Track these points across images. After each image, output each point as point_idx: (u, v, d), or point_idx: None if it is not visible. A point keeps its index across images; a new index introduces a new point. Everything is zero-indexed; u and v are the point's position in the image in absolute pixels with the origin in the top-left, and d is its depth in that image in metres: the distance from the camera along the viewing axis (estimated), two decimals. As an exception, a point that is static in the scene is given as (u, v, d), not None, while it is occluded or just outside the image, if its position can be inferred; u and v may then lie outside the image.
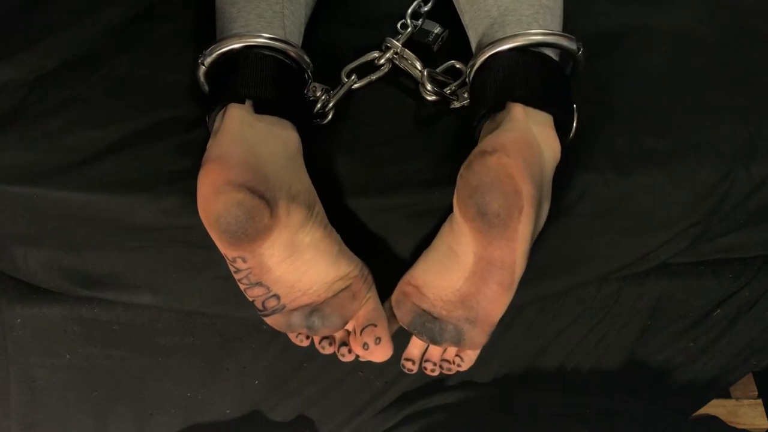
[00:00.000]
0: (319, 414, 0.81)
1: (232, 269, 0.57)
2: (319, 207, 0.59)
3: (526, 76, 0.58)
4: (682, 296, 0.75)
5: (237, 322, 0.71)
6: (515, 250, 0.55)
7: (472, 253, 0.56)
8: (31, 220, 0.62)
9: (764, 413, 0.99)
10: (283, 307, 0.59)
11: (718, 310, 0.77)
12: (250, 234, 0.54)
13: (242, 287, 0.58)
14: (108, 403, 0.78)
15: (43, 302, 0.70)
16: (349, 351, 0.62)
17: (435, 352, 0.65)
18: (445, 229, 0.59)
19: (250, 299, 0.59)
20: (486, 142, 0.54)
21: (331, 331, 0.60)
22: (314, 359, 0.75)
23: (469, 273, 0.57)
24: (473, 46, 0.64)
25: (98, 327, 0.71)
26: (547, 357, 0.79)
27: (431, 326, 0.60)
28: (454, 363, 0.64)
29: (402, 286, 0.61)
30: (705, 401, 0.92)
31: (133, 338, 0.72)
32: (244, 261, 0.56)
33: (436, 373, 0.65)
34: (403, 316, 0.61)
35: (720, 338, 0.80)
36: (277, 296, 0.58)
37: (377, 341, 0.60)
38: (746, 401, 0.99)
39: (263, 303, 0.59)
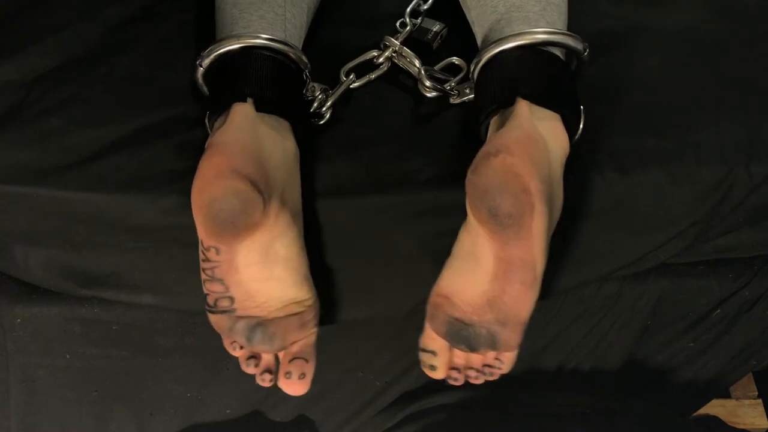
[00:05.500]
0: (319, 414, 0.81)
1: (202, 256, 0.56)
2: (300, 222, 0.59)
3: (533, 74, 0.58)
4: (682, 296, 0.75)
5: (237, 322, 0.71)
6: (532, 247, 0.54)
7: (492, 254, 0.55)
8: (31, 219, 0.62)
9: (764, 413, 0.99)
10: (234, 311, 0.58)
11: (718, 310, 0.77)
12: (238, 227, 0.53)
13: (203, 278, 0.57)
14: (108, 403, 0.78)
15: (43, 302, 0.70)
16: (271, 380, 0.61)
17: (476, 359, 0.63)
18: (463, 233, 0.59)
19: (205, 292, 0.58)
20: (489, 144, 0.54)
21: (268, 350, 0.59)
22: (314, 359, 0.75)
23: (491, 275, 0.56)
24: (479, 41, 0.64)
25: (98, 327, 0.71)
26: (547, 357, 0.79)
27: (466, 334, 0.59)
28: (494, 366, 0.62)
29: (432, 298, 0.60)
30: (705, 401, 0.92)
31: (133, 338, 0.72)
32: (218, 253, 0.55)
33: (480, 381, 0.63)
34: (439, 328, 0.60)
35: (720, 338, 0.80)
36: (231, 299, 0.57)
37: (301, 377, 0.59)
38: (746, 401, 0.99)
39: (216, 300, 0.58)
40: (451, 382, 0.63)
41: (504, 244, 0.54)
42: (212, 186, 0.52)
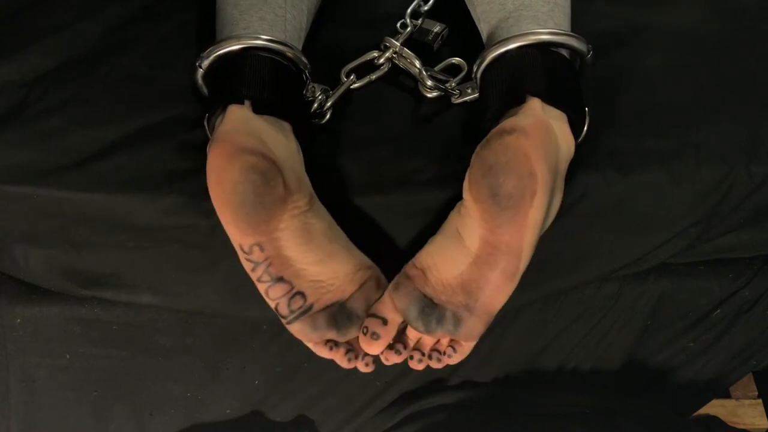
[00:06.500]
0: (319, 414, 0.81)
1: (250, 266, 0.55)
2: (318, 201, 0.58)
3: (543, 73, 0.58)
4: (682, 296, 0.75)
5: (237, 322, 0.71)
6: (523, 236, 0.53)
7: (478, 237, 0.55)
8: (31, 219, 0.62)
9: (764, 413, 0.99)
10: (311, 306, 0.56)
11: (718, 310, 0.77)
12: (267, 204, 0.52)
13: (263, 288, 0.56)
14: (108, 403, 0.78)
15: (43, 302, 0.70)
16: (374, 361, 0.59)
17: (427, 342, 0.61)
18: (453, 214, 0.58)
19: (273, 303, 0.56)
20: (505, 123, 0.54)
21: (360, 325, 0.58)
22: (314, 359, 0.74)
23: (473, 258, 0.55)
24: (484, 38, 0.64)
25: (98, 327, 0.71)
26: (547, 357, 0.79)
27: (429, 311, 0.57)
28: (445, 354, 0.60)
29: (406, 269, 0.59)
30: (705, 401, 0.92)
31: (133, 338, 0.72)
32: (262, 249, 0.54)
33: (421, 366, 0.61)
34: (402, 300, 0.58)
35: (720, 338, 0.80)
36: (302, 294, 0.56)
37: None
38: (746, 401, 0.99)
39: (289, 303, 0.56)
40: (387, 356, 0.60)
41: (496, 227, 0.53)
42: (228, 170, 0.52)
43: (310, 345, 0.60)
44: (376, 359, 0.60)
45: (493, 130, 0.54)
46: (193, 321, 0.71)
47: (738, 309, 0.77)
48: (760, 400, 0.99)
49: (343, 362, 0.60)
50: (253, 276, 0.56)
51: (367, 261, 0.59)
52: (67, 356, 0.73)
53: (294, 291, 0.56)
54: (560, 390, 0.82)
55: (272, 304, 0.57)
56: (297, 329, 0.58)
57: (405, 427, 0.78)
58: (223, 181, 0.52)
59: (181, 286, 0.66)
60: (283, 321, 0.58)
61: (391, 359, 0.60)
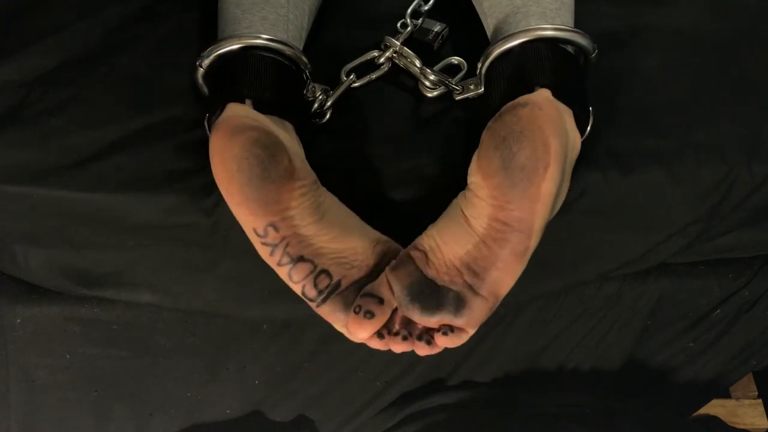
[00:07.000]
0: (319, 414, 0.81)
1: (267, 251, 0.54)
2: (322, 186, 0.58)
3: (551, 67, 0.57)
4: (682, 296, 0.75)
5: (237, 322, 0.71)
6: (536, 211, 0.52)
7: (487, 217, 0.53)
8: (31, 219, 0.62)
9: (764, 413, 0.99)
10: (339, 283, 0.54)
11: (718, 310, 0.77)
12: (274, 178, 0.52)
13: (285, 272, 0.54)
14: (108, 403, 0.78)
15: (43, 302, 0.70)
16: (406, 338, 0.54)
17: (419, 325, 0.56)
18: (457, 199, 0.57)
19: (299, 286, 0.54)
20: (519, 99, 0.53)
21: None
22: (314, 359, 0.75)
23: (479, 238, 0.53)
24: (490, 33, 0.64)
25: (98, 327, 0.71)
26: (547, 357, 0.79)
27: (429, 293, 0.53)
28: (440, 330, 0.54)
29: (408, 250, 0.56)
30: (705, 401, 0.92)
31: (133, 338, 0.72)
32: (277, 230, 0.53)
33: (404, 346, 0.55)
34: (402, 278, 0.54)
35: (720, 338, 0.80)
36: (327, 272, 0.54)
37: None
38: (746, 401, 0.99)
39: (315, 283, 0.54)
40: (372, 344, 0.55)
41: (506, 202, 0.52)
42: (231, 149, 0.52)
43: (344, 330, 0.56)
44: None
45: (506, 106, 0.53)
46: (193, 321, 0.71)
47: (738, 309, 0.77)
48: (760, 400, 0.99)
49: (374, 343, 0.55)
50: (272, 261, 0.54)
51: (383, 235, 0.58)
52: (67, 356, 0.73)
53: (318, 269, 0.54)
54: (560, 390, 0.82)
55: (298, 288, 0.55)
56: (328, 311, 0.55)
57: (405, 427, 0.78)
58: (227, 160, 0.52)
59: (181, 285, 0.66)
60: (313, 305, 0.55)
61: (374, 345, 0.55)
